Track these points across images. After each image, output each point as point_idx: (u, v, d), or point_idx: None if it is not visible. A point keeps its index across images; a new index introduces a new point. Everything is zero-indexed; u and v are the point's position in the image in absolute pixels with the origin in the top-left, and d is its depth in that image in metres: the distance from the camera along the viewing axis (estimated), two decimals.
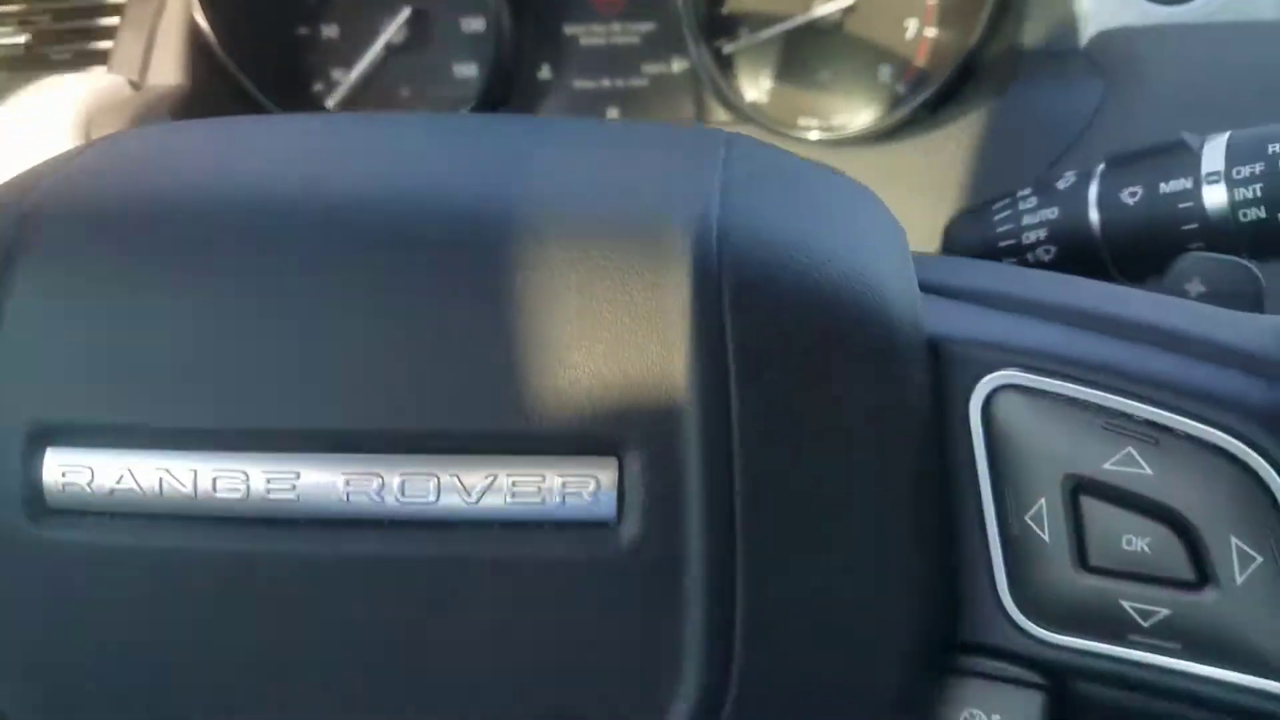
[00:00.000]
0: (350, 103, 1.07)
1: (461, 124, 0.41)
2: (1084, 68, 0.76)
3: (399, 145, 0.37)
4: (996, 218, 0.55)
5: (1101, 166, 0.51)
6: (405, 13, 1.03)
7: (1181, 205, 0.44)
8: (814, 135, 0.97)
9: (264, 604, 0.27)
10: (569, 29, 1.07)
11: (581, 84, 1.08)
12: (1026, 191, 0.55)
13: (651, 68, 1.07)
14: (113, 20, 0.98)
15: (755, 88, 1.04)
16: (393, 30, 1.03)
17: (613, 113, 1.08)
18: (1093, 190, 0.49)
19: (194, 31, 0.95)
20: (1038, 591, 0.29)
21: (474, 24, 1.05)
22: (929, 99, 0.93)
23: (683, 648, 0.26)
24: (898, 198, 0.71)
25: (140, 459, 0.27)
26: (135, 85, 0.94)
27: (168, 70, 0.94)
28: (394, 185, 0.32)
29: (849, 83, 1.02)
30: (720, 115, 1.05)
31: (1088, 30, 0.81)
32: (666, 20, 1.05)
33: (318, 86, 1.08)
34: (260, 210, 0.29)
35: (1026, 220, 0.53)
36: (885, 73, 1.02)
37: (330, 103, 1.07)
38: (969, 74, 0.91)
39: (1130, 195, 0.48)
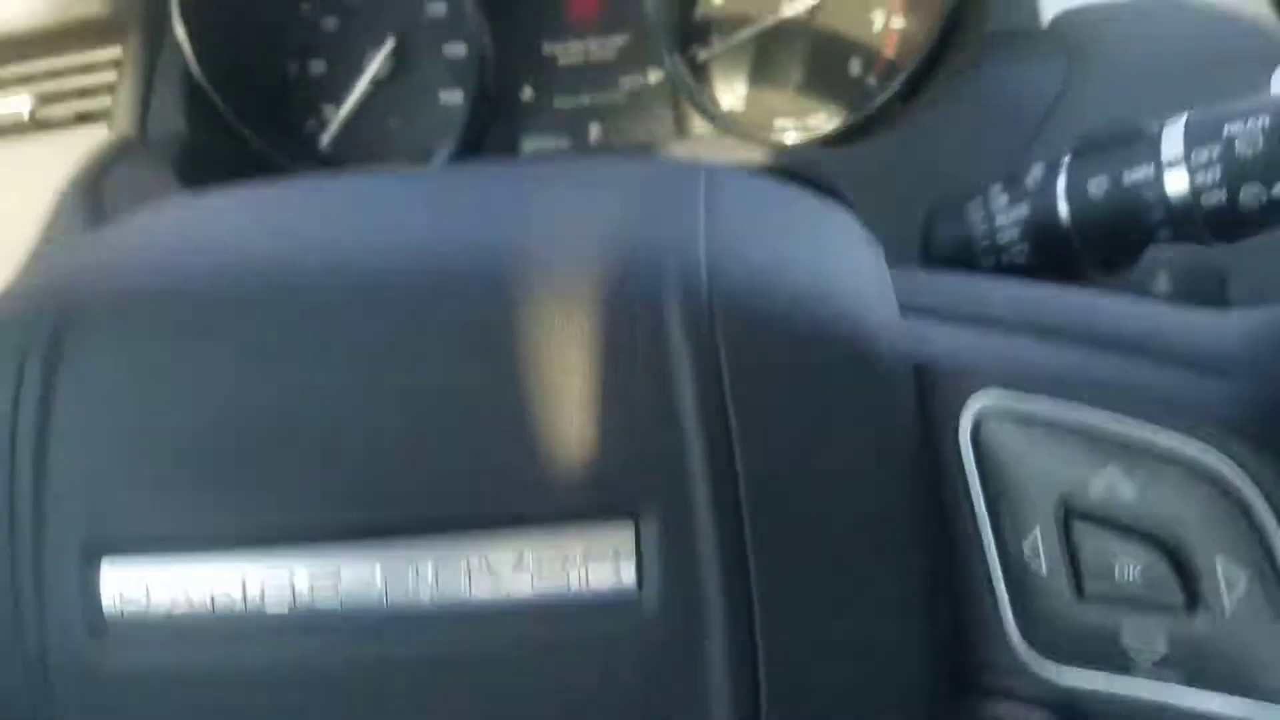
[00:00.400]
0: (342, 140, 1.10)
1: (452, 185, 0.43)
2: (1046, 47, 0.79)
3: (388, 213, 0.38)
4: (971, 218, 0.57)
5: (1068, 157, 0.50)
6: (389, 44, 1.06)
7: (1145, 194, 0.43)
8: (790, 137, 1.00)
9: (315, 710, 0.29)
10: (547, 47, 1.10)
11: (562, 103, 1.11)
12: (997, 188, 0.56)
13: (629, 81, 1.10)
14: (110, 76, 1.03)
15: (731, 94, 1.07)
16: (378, 63, 1.07)
17: (595, 129, 1.11)
18: (1060, 184, 0.49)
19: (190, 80, 0.99)
20: (1041, 623, 0.29)
21: (456, 49, 1.09)
22: (898, 91, 0.95)
23: (710, 708, 0.27)
24: (879, 196, 0.75)
25: (192, 567, 0.28)
26: (137, 140, 0.98)
27: (166, 120, 0.98)
28: (390, 262, 0.34)
29: (821, 80, 1.05)
30: (699, 124, 1.07)
31: (1049, 10, 0.83)
32: (640, 32, 1.08)
33: (310, 124, 1.12)
34: (276, 305, 0.31)
35: (1000, 220, 0.54)
36: (855, 66, 1.05)
37: (324, 140, 1.10)
38: (935, 61, 0.93)
39: (1096, 187, 0.46)
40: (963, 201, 0.59)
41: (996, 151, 0.73)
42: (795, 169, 0.80)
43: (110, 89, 1.02)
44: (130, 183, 0.92)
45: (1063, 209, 0.49)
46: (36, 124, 1.05)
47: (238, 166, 1.01)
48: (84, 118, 1.04)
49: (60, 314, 0.30)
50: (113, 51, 1.02)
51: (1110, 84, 0.72)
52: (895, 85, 0.96)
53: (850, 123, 0.99)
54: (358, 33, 1.08)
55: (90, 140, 0.98)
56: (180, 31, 0.96)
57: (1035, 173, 0.53)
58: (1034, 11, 0.82)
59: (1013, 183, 0.55)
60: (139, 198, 0.92)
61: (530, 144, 1.12)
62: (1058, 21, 0.81)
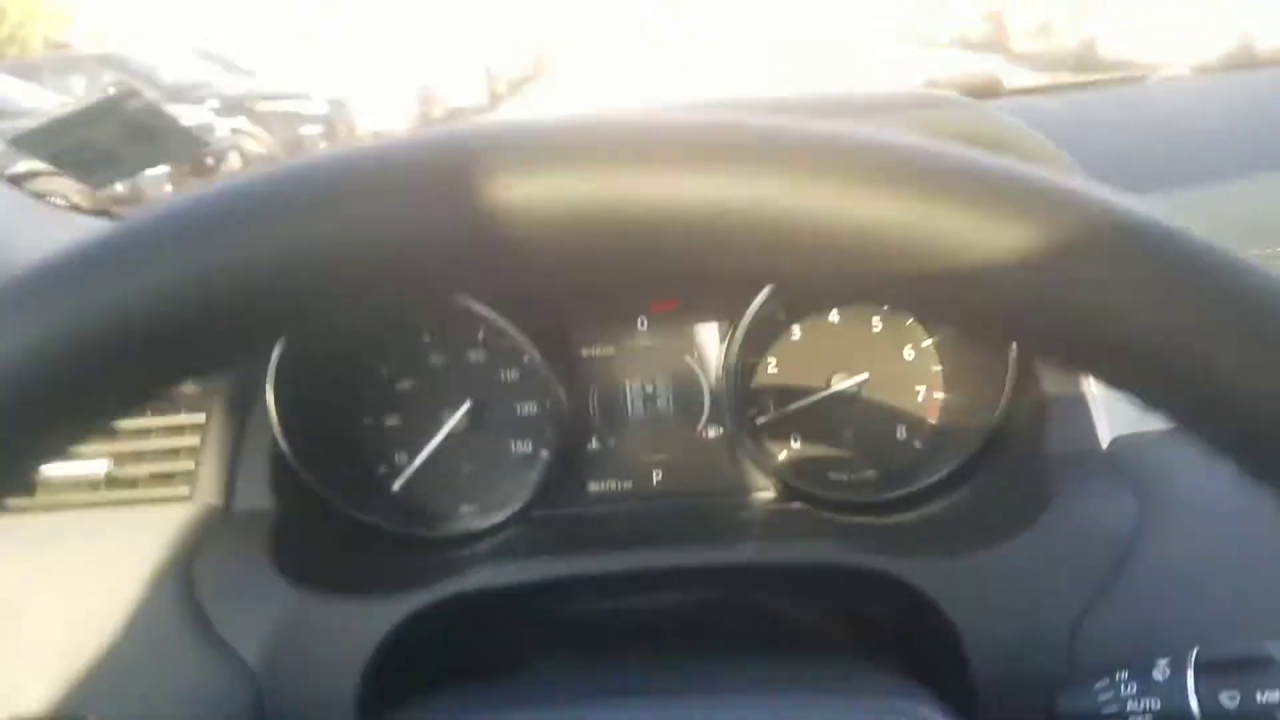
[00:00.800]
0: (413, 483, 1.14)
1: None
2: (1114, 479, 0.87)
3: None
4: (1101, 698, 0.63)
5: (1193, 657, 0.55)
6: (466, 405, 1.12)
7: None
8: (841, 490, 1.08)
9: None
10: (618, 404, 1.17)
11: (628, 453, 1.17)
12: (1124, 675, 0.62)
13: (690, 436, 1.18)
14: (187, 441, 1.05)
15: (785, 449, 1.15)
16: (455, 420, 1.12)
17: (657, 477, 1.17)
18: (1189, 685, 0.55)
19: (275, 450, 1.02)
20: None
21: (529, 408, 1.15)
22: (957, 470, 1.05)
23: None
24: (971, 613, 0.82)
25: None
26: (221, 510, 1.00)
27: (253, 492, 1.00)
28: None
29: (870, 442, 1.15)
30: (755, 476, 1.15)
31: (1105, 432, 0.94)
32: (697, 394, 1.17)
33: (381, 469, 1.15)
34: None
35: (1130, 706, 0.61)
36: (902, 431, 1.15)
37: (396, 485, 1.14)
38: (990, 449, 1.03)
39: (1229, 699, 0.52)
40: (1087, 679, 0.66)
41: (1075, 589, 0.80)
42: (900, 577, 0.86)
43: (189, 453, 1.04)
44: (220, 558, 0.93)
45: (1195, 711, 0.55)
46: (110, 482, 1.06)
47: (322, 536, 1.03)
48: (159, 479, 1.05)
49: None
50: (193, 417, 1.05)
51: (1183, 527, 0.80)
52: (949, 465, 1.05)
53: (902, 492, 1.08)
54: (435, 392, 1.14)
55: (170, 511, 0.98)
56: (271, 401, 1.00)
57: (1162, 669, 0.59)
58: (1092, 432, 0.93)
59: (1141, 675, 0.61)
60: (229, 573, 0.93)
61: (595, 486, 1.17)
62: (1121, 449, 0.90)
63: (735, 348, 1.05)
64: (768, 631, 1.03)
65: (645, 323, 1.17)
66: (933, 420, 1.15)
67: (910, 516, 1.05)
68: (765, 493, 1.15)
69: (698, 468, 1.17)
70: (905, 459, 1.14)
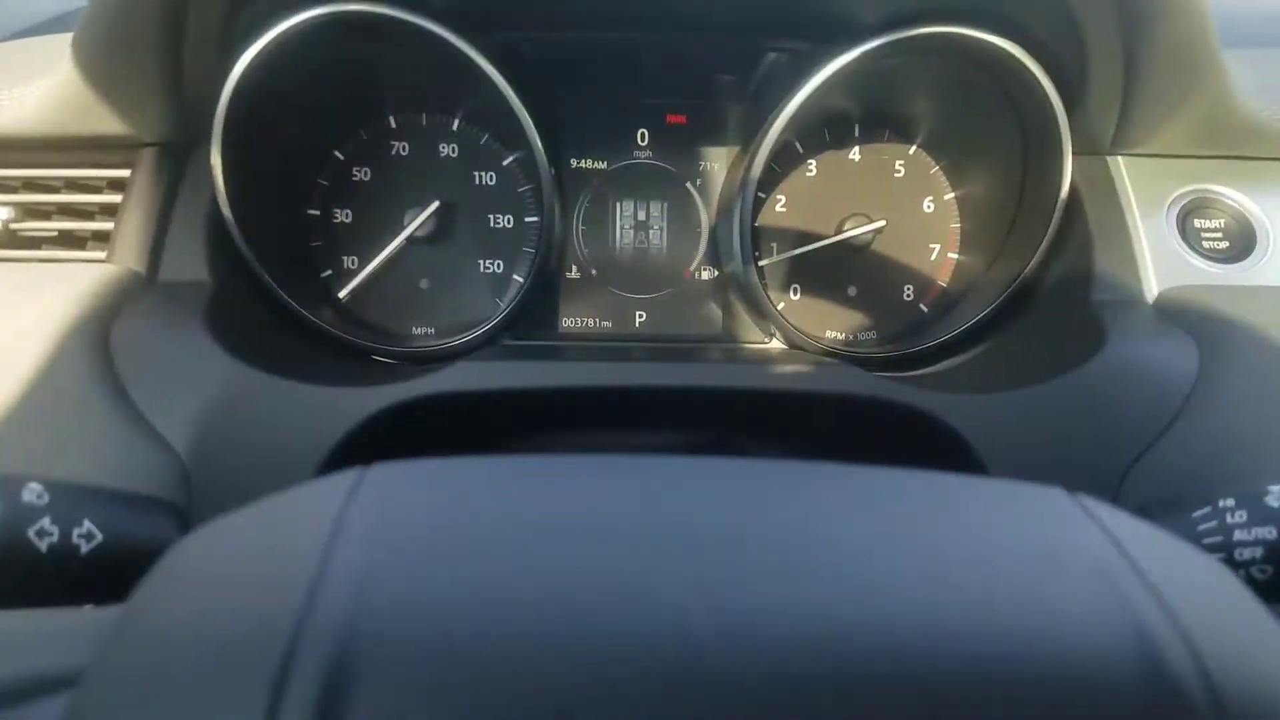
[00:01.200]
0: (362, 292, 0.99)
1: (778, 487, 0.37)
2: (1166, 326, 0.79)
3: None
4: (1201, 528, 0.54)
5: None
6: (433, 206, 0.98)
7: None
8: (837, 347, 0.98)
9: None
10: (609, 236, 1.04)
11: (610, 287, 1.05)
12: (1230, 503, 0.54)
13: (681, 276, 1.06)
14: (106, 198, 0.88)
15: (784, 300, 1.05)
16: (416, 225, 0.98)
17: (640, 317, 1.05)
18: None
19: (213, 224, 0.86)
20: None
21: (504, 219, 1.02)
22: (973, 326, 0.95)
23: None
24: (1009, 451, 0.73)
25: None
26: (144, 277, 0.84)
27: (185, 264, 0.84)
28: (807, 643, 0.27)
29: (874, 299, 1.05)
30: (744, 324, 1.04)
31: (1151, 286, 0.86)
32: (692, 232, 1.05)
33: (327, 272, 1.00)
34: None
35: (1238, 536, 0.52)
36: (909, 291, 1.05)
37: (343, 293, 0.99)
38: (1018, 305, 0.94)
39: None
40: (1180, 504, 0.57)
41: (1134, 428, 0.72)
42: (928, 411, 0.77)
43: (108, 211, 0.88)
44: (144, 328, 0.77)
45: None
46: (12, 237, 0.89)
47: (264, 324, 0.88)
48: (70, 238, 0.88)
49: (341, 650, 0.26)
50: (115, 172, 0.88)
51: (1242, 372, 0.73)
52: (970, 321, 0.96)
53: (911, 348, 0.98)
54: (396, 188, 0.99)
55: (84, 271, 0.82)
56: (216, 162, 0.84)
57: (1275, 493, 0.51)
58: (1138, 284, 0.85)
59: (1251, 502, 0.52)
60: (154, 346, 0.77)
61: (570, 322, 1.05)
62: (1170, 300, 0.83)
63: (746, 177, 0.93)
64: None
65: (646, 136, 1.04)
66: (942, 282, 1.05)
67: (928, 369, 0.95)
68: (759, 344, 1.04)
69: (686, 311, 1.06)
70: (908, 322, 1.05)
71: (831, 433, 0.87)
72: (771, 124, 0.89)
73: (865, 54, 0.85)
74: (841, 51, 0.85)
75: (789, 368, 0.85)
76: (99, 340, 0.74)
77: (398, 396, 0.74)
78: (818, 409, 0.83)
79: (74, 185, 0.88)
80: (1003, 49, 0.85)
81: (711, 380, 0.81)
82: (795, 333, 0.96)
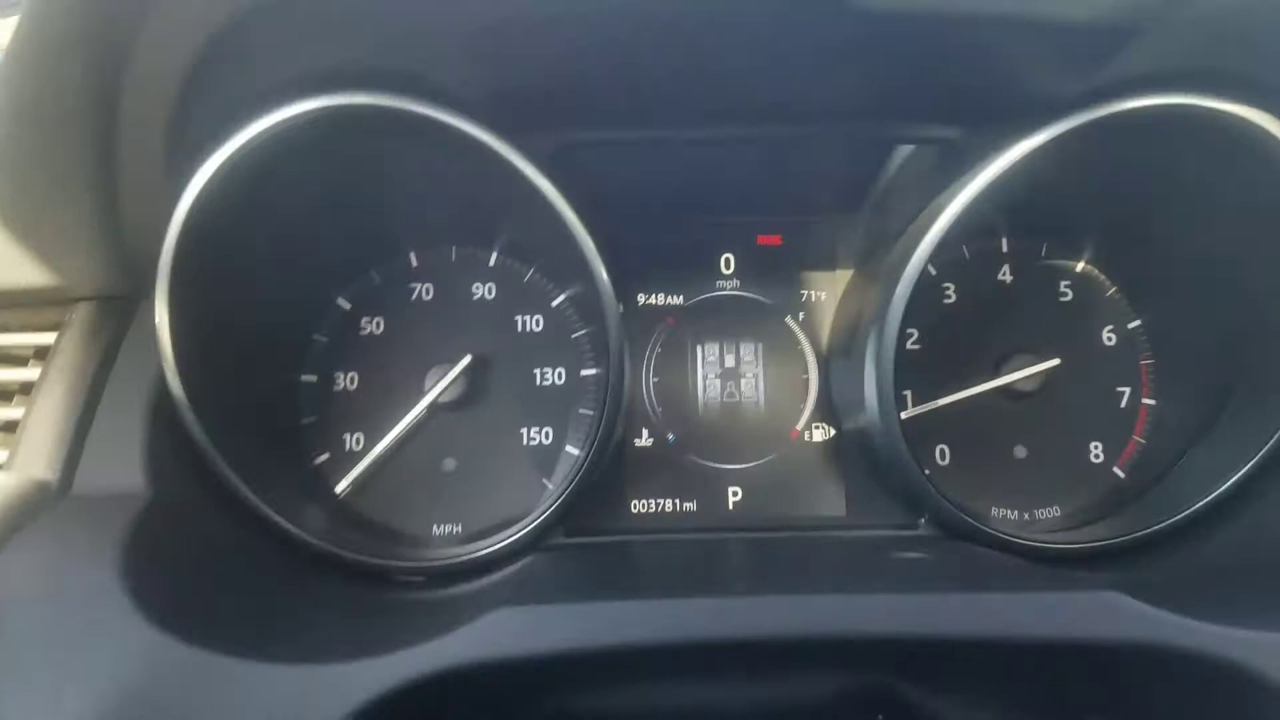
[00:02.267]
0: (369, 483, 0.75)
1: None
2: None
3: None
4: None
5: None
6: (464, 361, 0.75)
7: None
8: (1013, 533, 0.70)
9: None
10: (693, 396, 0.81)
11: (699, 458, 0.80)
12: None
13: (785, 438, 0.80)
14: (25, 375, 0.66)
15: (929, 466, 0.78)
16: (441, 388, 0.74)
17: (735, 495, 0.79)
18: None
19: (157, 405, 0.63)
20: None
21: (554, 374, 0.78)
22: (1221, 497, 0.68)
23: None
24: None
25: None
26: (53, 489, 0.60)
27: (111, 467, 0.61)
28: None
29: (1051, 461, 0.78)
30: (880, 503, 0.77)
31: None
32: (796, 380, 0.81)
33: (321, 458, 0.76)
34: None
35: None
36: (1096, 450, 0.78)
37: (341, 485, 0.74)
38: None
39: None
40: None
41: None
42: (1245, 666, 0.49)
43: (24, 391, 0.65)
44: (31, 580, 0.53)
45: None
46: None
47: (206, 532, 0.63)
48: None
49: None
50: (36, 337, 0.67)
51: None
52: (1202, 499, 0.68)
53: (1111, 541, 0.70)
54: (412, 341, 0.76)
55: None
56: (163, 319, 0.61)
57: None
58: None
59: None
60: (42, 613, 0.52)
61: (642, 504, 0.79)
62: None
63: (886, 304, 0.68)
64: None
65: (732, 262, 0.81)
66: (1139, 437, 0.78)
67: (1149, 569, 0.67)
68: (902, 530, 0.76)
69: (794, 485, 0.79)
70: (1101, 492, 0.78)
71: (1043, 677, 0.59)
72: (918, 237, 0.65)
73: (1065, 137, 0.62)
74: (1027, 134, 0.62)
75: (968, 595, 0.56)
76: None
77: (395, 678, 0.48)
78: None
79: None
80: (1242, 120, 0.61)
81: (868, 624, 0.53)
82: (953, 512, 0.69)
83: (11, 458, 0.61)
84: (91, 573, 0.51)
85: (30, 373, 0.65)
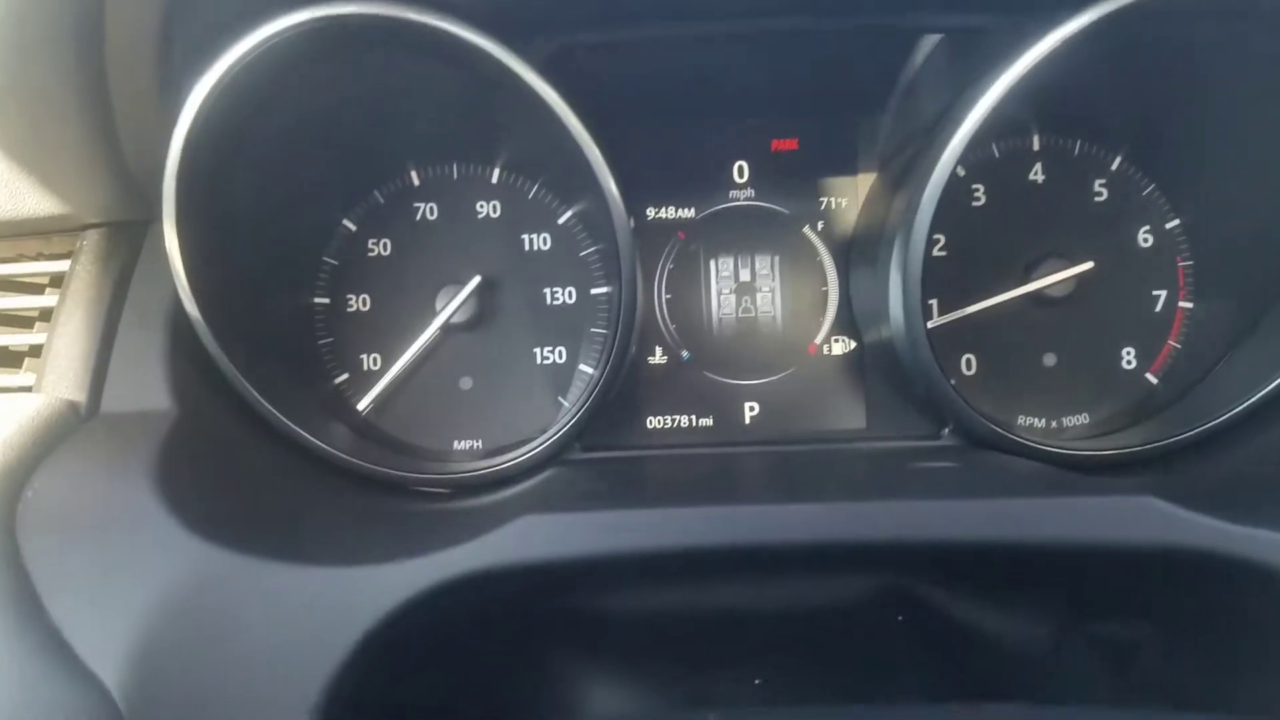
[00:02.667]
0: (387, 399, 0.75)
1: None
2: None
3: None
4: None
5: None
6: (474, 282, 0.74)
7: None
8: (1039, 440, 0.68)
9: None
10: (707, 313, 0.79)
11: (714, 374, 0.79)
12: None
13: (803, 352, 0.79)
14: (44, 301, 0.67)
15: (956, 373, 0.76)
16: (453, 309, 0.74)
17: (752, 410, 0.78)
18: None
19: (177, 327, 0.64)
20: None
21: (565, 294, 0.77)
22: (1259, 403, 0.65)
23: None
24: None
25: None
26: (81, 410, 0.61)
27: (137, 387, 0.62)
28: None
29: (1081, 368, 0.75)
30: (903, 417, 0.76)
31: None
32: (815, 293, 0.78)
33: (341, 378, 0.77)
34: None
35: None
36: (1129, 355, 0.76)
37: (362, 403, 0.75)
38: None
39: None
40: None
41: None
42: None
43: (44, 318, 0.67)
44: (68, 495, 0.54)
45: None
46: None
47: (235, 446, 0.65)
48: None
49: None
50: (51, 265, 0.68)
51: None
52: (1239, 404, 0.65)
53: (1142, 448, 0.68)
54: (424, 262, 0.76)
55: (19, 407, 0.60)
56: (172, 242, 0.61)
57: None
58: None
59: None
60: (81, 524, 0.54)
61: (658, 421, 0.79)
62: None
63: (912, 208, 0.65)
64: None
65: (746, 170, 0.78)
66: (1174, 342, 0.75)
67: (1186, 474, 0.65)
68: (926, 441, 0.75)
69: (814, 399, 0.78)
70: (1133, 399, 0.75)
71: (1064, 576, 0.58)
72: (946, 136, 0.62)
73: (1103, 23, 0.57)
74: (1062, 21, 0.58)
75: (996, 501, 0.55)
76: (1, 526, 0.51)
77: (428, 580, 0.49)
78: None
79: (7, 285, 0.68)
80: None
81: (888, 529, 0.53)
82: (980, 421, 0.67)
83: (39, 380, 0.63)
84: (128, 485, 0.53)
85: (48, 299, 0.66)
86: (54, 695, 0.46)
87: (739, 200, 0.78)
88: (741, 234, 0.78)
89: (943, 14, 0.65)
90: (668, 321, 0.79)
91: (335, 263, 0.77)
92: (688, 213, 0.78)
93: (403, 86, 0.68)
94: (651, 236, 0.78)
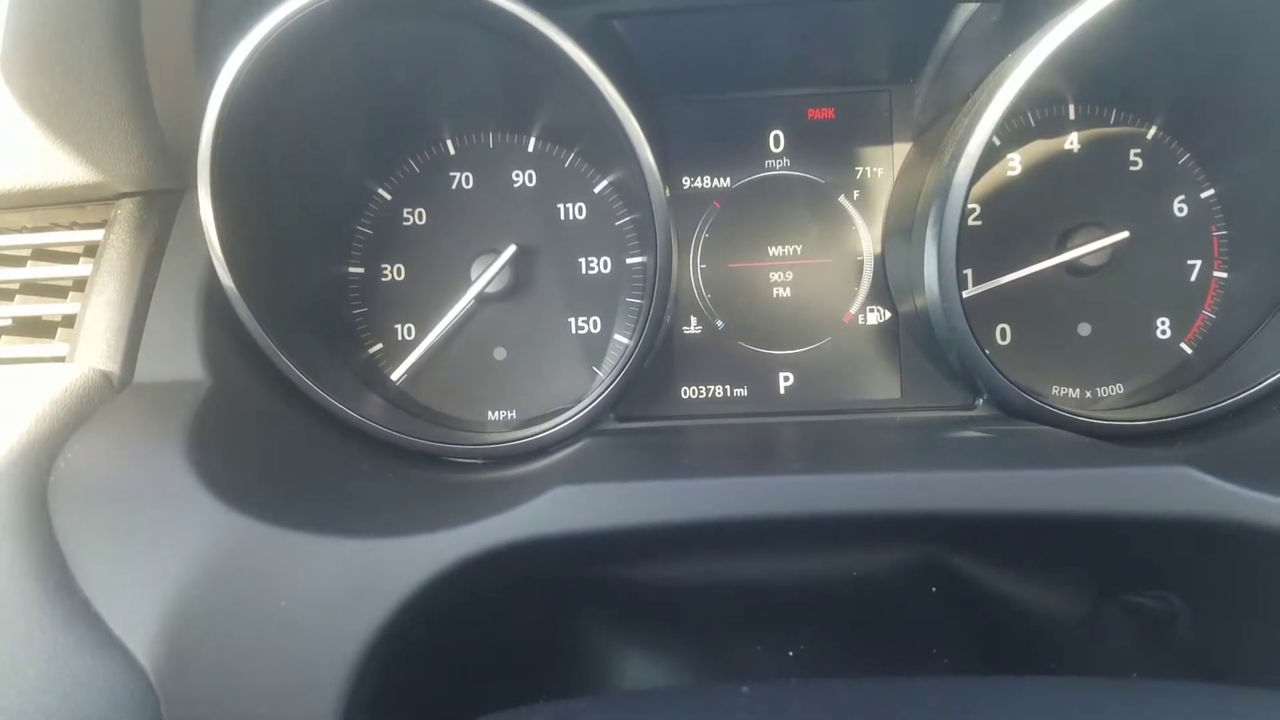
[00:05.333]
0: (422, 369, 0.75)
1: None
2: None
3: None
4: None
5: None
6: (509, 251, 0.74)
7: None
8: (1072, 410, 0.68)
9: None
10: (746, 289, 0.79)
11: (749, 344, 0.79)
12: None
13: (838, 321, 0.79)
14: (78, 271, 0.66)
15: (990, 343, 0.76)
16: (489, 278, 0.73)
17: (787, 380, 0.78)
18: None
19: (210, 297, 0.63)
20: None
21: (600, 262, 0.77)
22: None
23: None
24: None
25: None
26: (114, 380, 0.61)
27: (171, 357, 0.62)
28: None
29: (1115, 337, 0.76)
30: (936, 381, 0.76)
31: None
32: (850, 263, 0.78)
33: (375, 348, 0.77)
34: None
35: None
36: (1163, 325, 0.76)
37: (397, 373, 0.75)
38: None
39: None
40: None
41: None
42: None
43: (78, 287, 0.66)
44: (101, 467, 0.54)
45: None
46: None
47: (269, 417, 0.64)
48: (31, 325, 0.67)
49: None
50: (85, 234, 0.67)
51: None
52: (1266, 380, 0.66)
53: (1177, 418, 0.68)
54: (458, 231, 0.75)
55: (56, 376, 0.59)
56: (207, 211, 0.60)
57: None
58: None
59: None
60: (113, 497, 0.54)
61: (692, 391, 0.79)
62: None
63: (948, 177, 0.64)
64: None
65: (782, 139, 0.78)
66: (1209, 312, 0.75)
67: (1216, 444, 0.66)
68: (961, 411, 0.75)
69: (849, 369, 0.78)
70: (1167, 369, 0.75)
71: (1099, 548, 0.58)
72: (983, 105, 0.61)
73: None
74: None
75: (1032, 472, 0.55)
76: (34, 498, 0.51)
77: (463, 551, 0.49)
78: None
79: (42, 254, 0.67)
80: None
81: (923, 501, 0.53)
82: (1014, 391, 0.67)
83: (72, 350, 0.63)
84: (161, 456, 0.53)
85: (82, 269, 0.66)
86: (85, 667, 0.47)
87: (775, 170, 0.78)
88: (777, 203, 0.78)
89: None
90: (703, 291, 0.79)
91: (370, 232, 0.76)
92: (723, 182, 0.78)
93: (438, 55, 0.68)
94: (687, 206, 0.78)
